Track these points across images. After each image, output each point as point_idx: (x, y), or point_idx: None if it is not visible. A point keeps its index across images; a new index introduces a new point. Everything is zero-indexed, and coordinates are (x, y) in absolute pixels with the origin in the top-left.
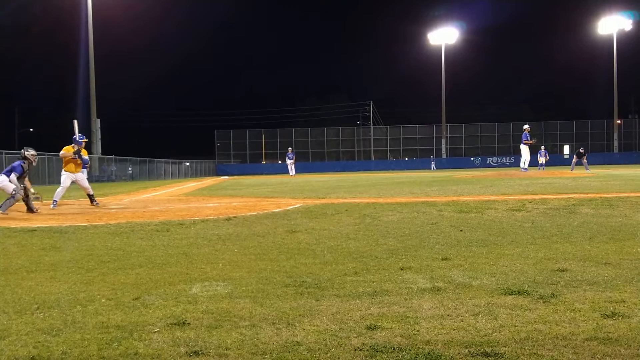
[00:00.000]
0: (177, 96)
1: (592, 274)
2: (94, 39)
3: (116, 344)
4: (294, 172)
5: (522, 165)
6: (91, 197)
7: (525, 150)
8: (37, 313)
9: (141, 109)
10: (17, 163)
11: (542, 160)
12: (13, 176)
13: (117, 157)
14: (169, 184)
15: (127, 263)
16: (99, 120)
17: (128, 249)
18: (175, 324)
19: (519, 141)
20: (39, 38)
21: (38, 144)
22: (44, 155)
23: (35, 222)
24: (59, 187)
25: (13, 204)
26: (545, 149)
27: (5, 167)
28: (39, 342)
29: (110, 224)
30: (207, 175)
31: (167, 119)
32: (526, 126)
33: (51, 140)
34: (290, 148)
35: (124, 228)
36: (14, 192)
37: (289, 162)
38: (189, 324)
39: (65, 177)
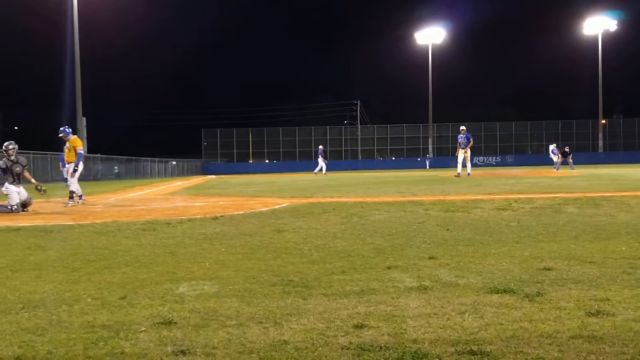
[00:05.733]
0: (164, 95)
1: (577, 272)
2: (80, 37)
3: (102, 343)
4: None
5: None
6: (70, 193)
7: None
8: (22, 312)
9: (128, 108)
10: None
11: (555, 158)
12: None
13: (103, 155)
14: (155, 183)
15: (113, 262)
16: (84, 118)
17: (114, 248)
18: (162, 323)
19: (505, 141)
20: (22, 36)
21: (21, 143)
22: (29, 153)
23: (19, 221)
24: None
25: (6, 213)
26: (557, 148)
27: None
28: (24, 341)
29: (96, 223)
30: (193, 174)
31: (153, 118)
32: (462, 127)
33: (35, 138)
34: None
35: (110, 227)
36: (14, 208)
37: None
38: (175, 323)
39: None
